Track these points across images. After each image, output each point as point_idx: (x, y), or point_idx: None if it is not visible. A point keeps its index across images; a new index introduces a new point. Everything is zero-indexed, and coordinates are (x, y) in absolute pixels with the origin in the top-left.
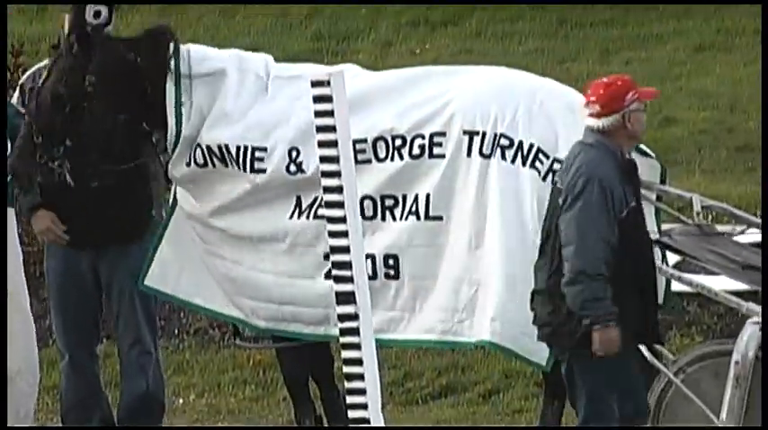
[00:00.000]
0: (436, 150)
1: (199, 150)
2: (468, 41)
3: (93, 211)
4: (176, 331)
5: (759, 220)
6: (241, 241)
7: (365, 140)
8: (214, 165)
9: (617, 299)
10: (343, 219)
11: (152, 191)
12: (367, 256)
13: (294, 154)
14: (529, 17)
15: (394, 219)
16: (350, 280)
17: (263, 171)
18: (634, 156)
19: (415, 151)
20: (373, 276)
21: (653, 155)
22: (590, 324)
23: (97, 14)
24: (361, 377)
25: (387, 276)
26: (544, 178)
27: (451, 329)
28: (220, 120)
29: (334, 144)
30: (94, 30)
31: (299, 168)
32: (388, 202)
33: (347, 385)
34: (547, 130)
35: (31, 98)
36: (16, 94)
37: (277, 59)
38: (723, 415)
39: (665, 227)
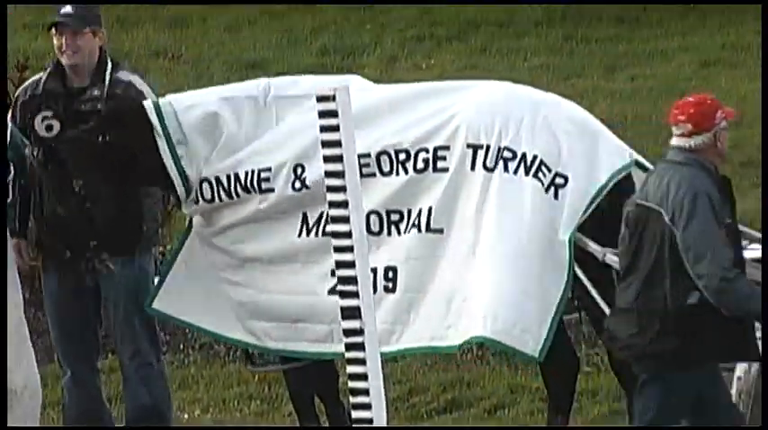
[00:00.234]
0: (440, 164)
1: (206, 184)
2: (473, 57)
3: (87, 226)
4: (181, 346)
5: (760, 235)
6: (254, 263)
7: (369, 155)
8: (221, 199)
9: (719, 316)
10: (348, 234)
11: (144, 206)
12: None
13: (299, 170)
14: (534, 33)
15: (399, 233)
16: (355, 295)
17: (272, 190)
18: (633, 170)
19: (420, 165)
20: (373, 290)
21: (653, 168)
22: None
23: (49, 128)
24: (366, 392)
25: (385, 289)
26: (546, 190)
27: (439, 335)
28: (227, 152)
29: (339, 159)
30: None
31: (304, 184)
32: (394, 217)
33: (352, 400)
34: (550, 144)
35: (25, 113)
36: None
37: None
38: None
39: None
